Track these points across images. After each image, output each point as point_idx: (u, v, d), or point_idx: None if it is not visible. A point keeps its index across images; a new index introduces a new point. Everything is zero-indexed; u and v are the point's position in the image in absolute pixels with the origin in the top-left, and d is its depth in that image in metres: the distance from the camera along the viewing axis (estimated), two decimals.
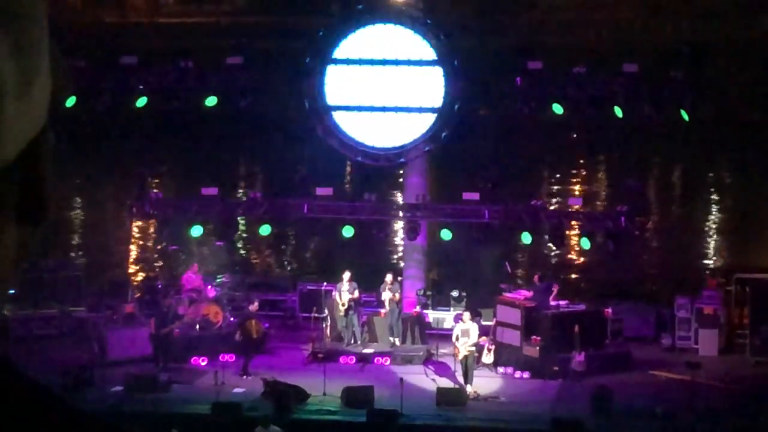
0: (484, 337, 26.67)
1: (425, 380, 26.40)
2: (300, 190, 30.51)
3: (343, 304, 27.92)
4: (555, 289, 28.11)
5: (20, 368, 1.34)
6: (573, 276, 36.44)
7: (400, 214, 30.47)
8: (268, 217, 29.61)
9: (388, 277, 28.43)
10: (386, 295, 28.04)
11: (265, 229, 29.85)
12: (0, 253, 1.32)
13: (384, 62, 28.82)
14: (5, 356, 1.31)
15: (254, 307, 27.45)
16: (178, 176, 29.64)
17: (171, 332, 26.99)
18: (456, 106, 28.71)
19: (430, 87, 28.78)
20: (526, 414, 24.45)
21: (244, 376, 26.14)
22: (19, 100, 1.28)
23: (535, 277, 29.10)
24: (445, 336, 27.30)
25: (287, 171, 32.06)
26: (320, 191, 29.53)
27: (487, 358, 27.04)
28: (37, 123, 1.34)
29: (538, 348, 26.82)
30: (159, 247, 35.49)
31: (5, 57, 1.26)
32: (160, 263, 35.64)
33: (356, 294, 28.06)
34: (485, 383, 26.00)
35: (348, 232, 28.94)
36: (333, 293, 28.59)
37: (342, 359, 27.36)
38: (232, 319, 28.64)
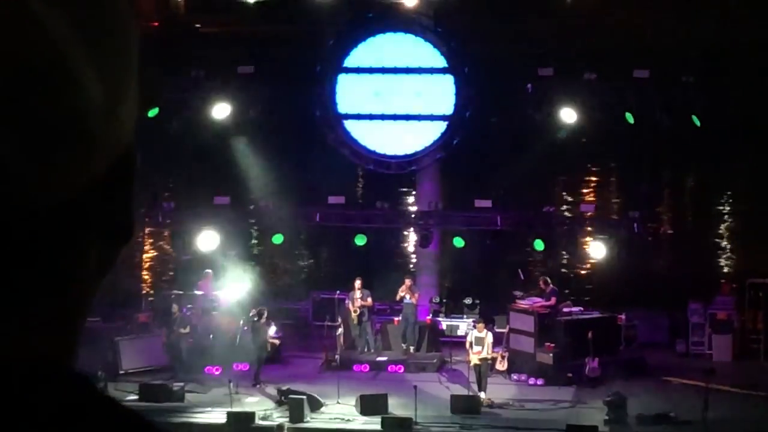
0: (496, 351, 26.62)
1: (439, 388, 26.39)
2: (312, 199, 30.52)
3: (354, 311, 27.94)
4: (553, 300, 28.02)
5: (99, 388, 1.35)
6: (586, 282, 36.36)
7: (413, 221, 30.48)
8: (281, 225, 29.65)
9: (407, 280, 28.45)
10: (407, 298, 28.06)
11: (277, 238, 29.89)
12: (84, 272, 1.33)
13: (395, 70, 28.86)
14: (86, 375, 1.32)
15: (265, 315, 27.40)
16: (190, 186, 29.66)
17: (179, 341, 27.04)
18: (467, 114, 28.73)
19: (441, 95, 28.81)
20: (540, 421, 24.41)
21: (257, 386, 26.15)
22: (107, 121, 1.29)
23: (541, 282, 29.06)
24: (459, 343, 27.29)
25: (299, 180, 32.05)
26: (332, 200, 29.56)
27: (501, 365, 27.03)
28: (124, 141, 1.34)
29: (551, 355, 26.80)
30: (172, 256, 35.50)
31: (93, 79, 1.26)
32: (174, 273, 35.66)
33: (369, 301, 28.07)
34: (499, 390, 25.98)
35: (360, 240, 28.98)
36: (346, 301, 28.61)
37: (356, 367, 27.38)
38: (245, 328, 28.67)
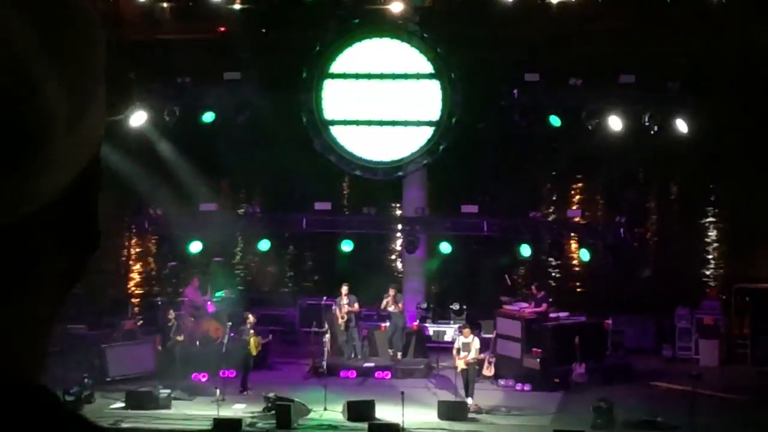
0: (483, 355, 26.62)
1: (426, 394, 26.36)
2: (299, 205, 30.50)
3: (342, 317, 27.92)
4: (544, 306, 28.02)
5: (58, 399, 1.34)
6: (572, 287, 36.41)
7: (399, 227, 30.48)
8: (267, 232, 29.63)
9: (392, 290, 28.45)
10: (391, 308, 28.05)
11: (264, 244, 29.85)
12: (48, 282, 1.31)
13: (381, 76, 28.85)
14: (48, 389, 1.31)
15: (251, 321, 27.32)
16: (176, 192, 29.62)
17: (176, 346, 27.03)
18: (454, 119, 28.73)
19: (428, 100, 28.80)
20: (527, 426, 24.43)
21: (244, 392, 26.11)
22: (70, 132, 1.27)
23: (533, 287, 29.08)
24: (446, 349, 27.28)
25: (285, 186, 32.04)
26: (319, 206, 29.54)
27: (488, 370, 27.02)
28: (89, 151, 1.33)
29: (538, 360, 26.81)
30: (158, 263, 35.46)
31: (56, 91, 1.25)
32: (160, 280, 35.62)
33: (356, 307, 28.05)
34: (486, 396, 25.97)
35: (347, 246, 28.96)
36: (333, 307, 28.58)
37: (343, 373, 27.34)
38: (232, 334, 28.63)
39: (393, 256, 37.02)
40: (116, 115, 1.39)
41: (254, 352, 26.60)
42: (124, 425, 23.86)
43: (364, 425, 23.74)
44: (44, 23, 1.26)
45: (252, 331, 26.96)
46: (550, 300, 28.80)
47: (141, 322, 29.76)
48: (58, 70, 1.25)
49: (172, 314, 27.62)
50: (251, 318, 27.22)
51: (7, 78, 1.22)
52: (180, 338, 27.23)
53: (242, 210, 31.15)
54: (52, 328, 1.35)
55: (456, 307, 29.60)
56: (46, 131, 1.24)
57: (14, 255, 1.26)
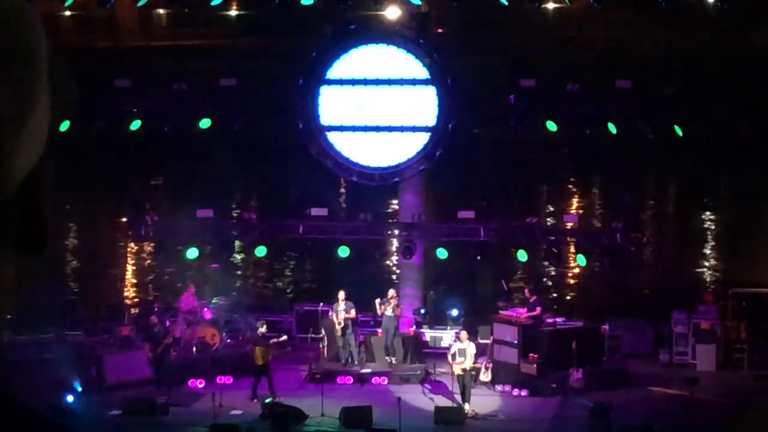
0: (479, 362, 26.61)
1: (423, 399, 26.36)
2: (295, 211, 30.50)
3: (339, 323, 27.90)
4: (539, 310, 28.02)
5: (14, 394, 1.34)
6: (569, 293, 36.43)
7: (396, 233, 30.47)
8: (264, 238, 29.61)
9: (391, 292, 28.43)
10: (389, 311, 28.01)
11: (260, 251, 29.84)
12: (0, 281, 1.31)
13: (377, 82, 28.86)
14: None
15: (262, 331, 27.13)
16: (173, 199, 29.63)
17: (166, 353, 26.96)
18: (450, 125, 28.74)
19: (424, 106, 28.81)
20: None
21: (254, 400, 25.96)
22: (17, 133, 1.28)
23: (526, 291, 29.10)
24: (443, 355, 27.27)
25: (282, 192, 32.08)
26: (315, 212, 29.53)
27: (485, 376, 27.02)
28: (36, 153, 1.34)
29: (535, 365, 26.80)
30: (155, 269, 35.45)
31: (2, 96, 1.26)
32: (156, 286, 35.61)
33: (353, 313, 28.02)
34: (483, 401, 25.97)
35: (344, 252, 28.96)
36: (330, 313, 28.57)
37: (340, 379, 27.33)
38: (228, 341, 28.61)
39: (389, 262, 37.02)
40: (62, 118, 1.40)
41: (259, 362, 26.36)
42: None
43: (361, 431, 23.72)
44: None
45: (259, 341, 26.64)
46: (543, 303, 28.80)
47: (137, 329, 29.72)
48: (2, 72, 1.26)
49: (155, 320, 27.57)
50: (262, 329, 26.98)
51: None
52: (169, 341, 27.14)
53: (239, 216, 31.12)
54: (3, 327, 1.36)
55: (452, 312, 29.60)
56: None
57: None
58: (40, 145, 1.35)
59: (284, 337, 27.84)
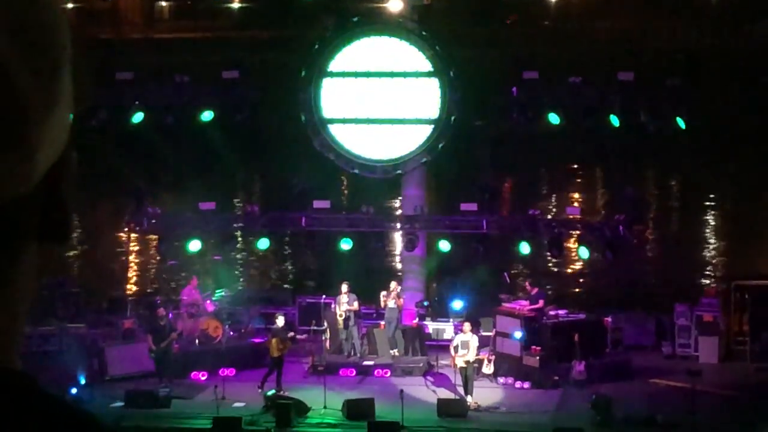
0: (482, 354, 26.62)
1: (426, 392, 26.37)
2: (297, 204, 30.47)
3: (341, 315, 27.89)
4: (541, 302, 28.02)
5: (40, 384, 1.36)
6: (572, 285, 36.43)
7: (398, 225, 30.46)
8: (266, 230, 29.62)
9: (393, 284, 28.44)
10: (391, 303, 28.02)
11: (263, 243, 29.85)
12: (23, 271, 1.34)
13: (380, 74, 28.84)
14: (25, 372, 1.32)
15: (280, 322, 27.07)
16: (175, 191, 29.62)
17: (169, 347, 26.97)
18: (452, 117, 28.72)
19: (427, 98, 28.79)
20: (526, 424, 24.43)
21: (260, 390, 25.91)
22: (43, 125, 1.29)
23: (527, 284, 29.09)
24: (445, 347, 27.27)
25: (284, 184, 32.02)
26: (318, 204, 29.52)
27: (487, 368, 27.01)
28: (60, 145, 1.35)
29: (538, 358, 26.80)
30: (157, 262, 35.45)
31: (28, 84, 1.27)
32: (159, 278, 35.62)
33: (356, 305, 28.01)
34: (486, 394, 25.97)
35: (346, 244, 28.95)
36: (332, 305, 28.57)
37: (342, 372, 27.34)
38: (231, 333, 28.62)
39: (392, 255, 37.02)
40: (82, 106, 1.41)
41: (274, 354, 26.32)
42: (124, 424, 23.83)
43: (364, 423, 23.74)
44: (18, 23, 1.28)
45: (277, 333, 26.55)
46: (545, 296, 28.80)
47: (139, 321, 29.74)
48: (30, 66, 1.27)
49: (162, 312, 27.55)
50: (280, 321, 26.89)
51: None
52: (174, 335, 27.15)
53: (241, 208, 31.12)
54: (26, 317, 1.38)
55: (455, 304, 29.59)
56: (20, 124, 1.27)
57: None
58: (64, 136, 1.36)
59: (291, 334, 27.78)
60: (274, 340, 26.33)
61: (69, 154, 1.38)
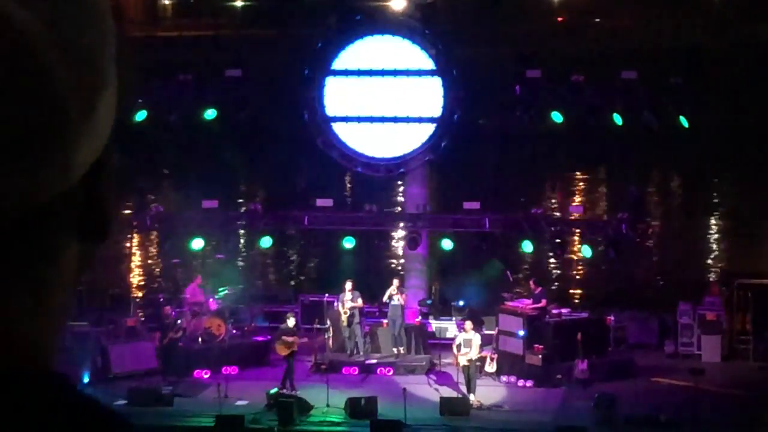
0: (484, 352, 26.62)
1: (428, 390, 26.37)
2: (300, 202, 30.51)
3: (345, 312, 27.89)
4: (544, 302, 28.02)
5: (78, 387, 1.37)
6: (574, 284, 36.42)
7: (401, 224, 30.47)
8: (269, 229, 29.62)
9: (395, 282, 28.42)
10: (395, 300, 27.99)
11: (266, 241, 29.86)
12: (62, 271, 1.34)
13: (383, 73, 28.85)
14: (64, 374, 1.33)
15: (291, 323, 26.96)
16: (178, 189, 29.61)
17: (176, 343, 27.00)
18: (455, 116, 28.73)
19: (429, 97, 28.80)
20: (529, 423, 24.42)
21: (283, 389, 25.82)
22: (84, 123, 1.29)
23: (531, 282, 29.09)
24: (448, 346, 27.27)
25: (287, 183, 32.08)
26: (321, 202, 29.53)
27: (490, 367, 27.02)
28: (102, 142, 1.35)
29: (540, 356, 26.79)
30: (160, 260, 35.48)
31: (70, 83, 1.27)
32: (162, 277, 35.63)
33: (360, 302, 28.01)
34: (488, 392, 25.97)
35: (349, 242, 28.96)
36: (335, 304, 28.57)
37: (345, 370, 27.34)
38: (234, 331, 28.62)
39: (395, 253, 37.02)
40: (126, 105, 1.41)
41: (282, 353, 26.25)
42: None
43: (367, 422, 23.74)
44: (60, 20, 1.28)
45: (287, 332, 26.46)
46: (548, 295, 28.81)
47: (143, 319, 29.77)
48: (71, 61, 1.27)
49: (169, 311, 27.55)
50: (290, 321, 26.80)
51: (24, 69, 1.24)
52: (176, 335, 27.15)
53: (244, 207, 31.11)
54: (67, 317, 1.39)
55: (458, 303, 29.59)
56: (62, 121, 1.26)
57: (34, 242, 1.30)
58: (106, 135, 1.36)
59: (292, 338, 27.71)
60: (284, 340, 26.23)
61: (110, 153, 1.38)
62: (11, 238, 1.27)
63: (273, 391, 25.36)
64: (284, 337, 26.29)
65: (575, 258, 34.87)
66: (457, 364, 25.89)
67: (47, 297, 1.33)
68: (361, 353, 28.22)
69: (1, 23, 1.23)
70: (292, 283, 35.70)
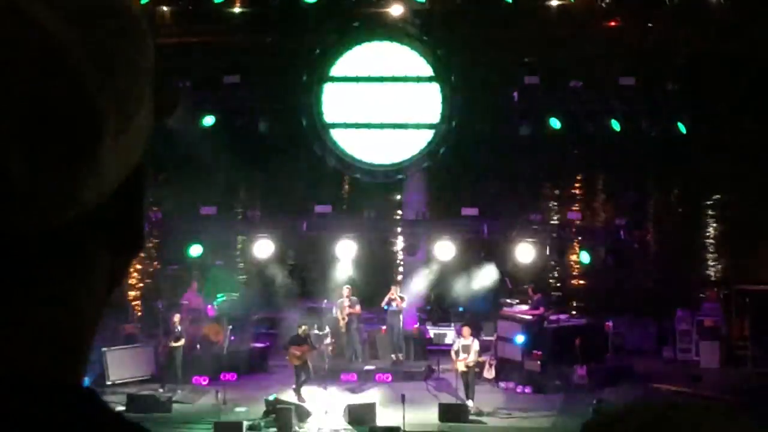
0: (483, 357, 26.63)
1: (427, 396, 26.37)
2: (299, 208, 30.48)
3: (343, 319, 27.90)
4: (542, 309, 28.06)
5: (105, 403, 1.37)
6: (573, 290, 36.39)
7: (400, 230, 30.47)
8: (267, 235, 29.62)
9: (394, 289, 28.44)
10: (393, 308, 28.01)
11: (264, 247, 29.84)
12: (95, 283, 1.35)
13: (381, 79, 28.86)
14: (93, 390, 1.34)
15: (301, 331, 26.90)
16: (176, 196, 29.61)
17: (177, 350, 26.99)
18: (453, 122, 28.74)
19: (428, 103, 28.82)
20: (528, 428, 24.43)
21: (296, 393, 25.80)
22: (118, 139, 1.30)
23: (529, 289, 29.11)
24: (446, 352, 27.28)
25: (286, 189, 32.04)
26: (319, 209, 29.54)
27: (489, 373, 27.03)
28: (136, 156, 1.36)
29: (539, 362, 26.81)
30: (159, 267, 35.43)
31: (106, 98, 1.27)
32: (160, 284, 35.58)
33: (358, 309, 28.04)
34: (487, 398, 25.97)
35: (347, 249, 28.96)
36: (333, 310, 28.57)
37: (343, 376, 27.34)
38: (232, 338, 28.61)
39: (393, 259, 37.00)
40: (162, 119, 1.41)
41: (295, 362, 26.17)
42: None
43: (365, 428, 23.74)
44: (96, 32, 1.28)
45: (297, 341, 26.36)
46: (546, 301, 28.83)
47: (140, 326, 29.75)
48: (109, 77, 1.28)
49: (177, 318, 27.52)
50: (301, 330, 26.70)
51: (62, 86, 1.24)
52: (178, 344, 27.14)
53: (242, 213, 31.12)
54: (96, 330, 1.39)
55: (456, 309, 29.60)
56: (97, 137, 1.27)
57: (68, 255, 1.30)
58: (140, 149, 1.36)
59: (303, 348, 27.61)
60: (295, 348, 26.13)
61: (144, 168, 1.38)
62: (45, 250, 1.28)
63: (272, 397, 25.35)
64: (292, 350, 26.14)
65: (574, 264, 34.86)
66: (456, 370, 25.89)
67: (79, 310, 1.34)
68: (360, 359, 28.22)
69: (34, 30, 1.24)
70: (291, 289, 35.67)
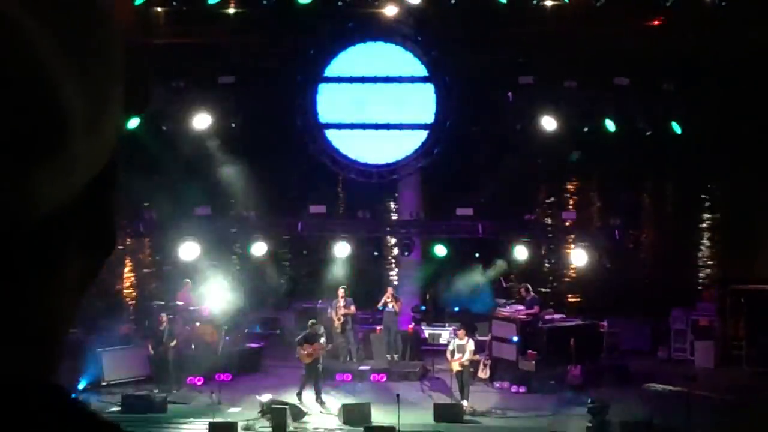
0: (478, 356, 26.63)
1: (422, 396, 26.38)
2: (293, 209, 30.47)
3: (338, 319, 27.91)
4: (536, 308, 28.07)
5: (73, 396, 1.35)
6: (567, 290, 36.41)
7: (394, 230, 30.47)
8: (262, 235, 29.61)
9: (389, 290, 28.44)
10: (389, 308, 28.02)
11: (258, 248, 29.83)
12: (65, 283, 1.32)
13: (375, 80, 28.87)
14: (63, 387, 1.32)
15: (312, 330, 26.68)
16: (170, 196, 29.59)
17: (169, 351, 26.96)
18: (448, 122, 28.75)
19: (422, 103, 28.83)
20: (522, 428, 24.43)
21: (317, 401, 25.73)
22: (88, 134, 1.27)
23: (521, 290, 29.12)
24: (441, 352, 27.29)
25: (280, 189, 32.02)
26: (313, 209, 29.54)
27: (483, 373, 27.04)
28: (106, 153, 1.33)
29: (534, 362, 26.82)
30: (153, 267, 35.43)
31: (74, 92, 1.25)
32: (155, 284, 35.56)
33: (352, 309, 28.05)
34: (482, 398, 25.98)
35: (342, 249, 28.96)
36: (328, 310, 28.57)
37: (338, 376, 27.34)
38: (227, 338, 28.59)
39: (388, 260, 37.00)
40: (134, 114, 1.40)
41: (306, 360, 26.07)
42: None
43: (360, 428, 23.72)
44: (64, 25, 1.26)
45: (308, 340, 26.26)
46: (540, 301, 28.85)
47: (135, 326, 29.72)
48: (76, 71, 1.25)
49: (164, 318, 27.52)
50: (315, 328, 26.54)
51: (27, 79, 1.22)
52: (172, 344, 27.14)
53: (237, 213, 31.11)
54: (68, 332, 1.37)
55: (451, 309, 29.60)
56: (64, 132, 1.24)
57: (35, 256, 1.27)
58: (110, 146, 1.34)
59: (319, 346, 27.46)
60: (305, 347, 26.06)
61: (114, 165, 1.37)
62: (12, 249, 1.25)
63: (266, 398, 25.33)
64: (304, 348, 26.00)
65: (568, 264, 34.87)
66: (451, 370, 25.90)
67: (48, 309, 1.32)
68: (355, 359, 28.22)
69: (10, 38, 1.22)
70: (285, 289, 35.66)
